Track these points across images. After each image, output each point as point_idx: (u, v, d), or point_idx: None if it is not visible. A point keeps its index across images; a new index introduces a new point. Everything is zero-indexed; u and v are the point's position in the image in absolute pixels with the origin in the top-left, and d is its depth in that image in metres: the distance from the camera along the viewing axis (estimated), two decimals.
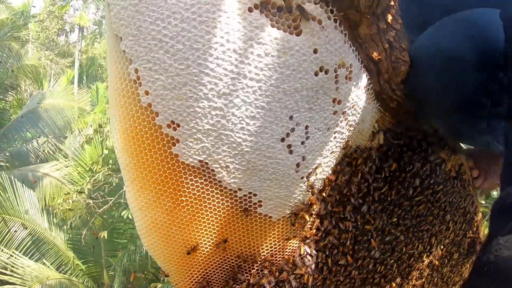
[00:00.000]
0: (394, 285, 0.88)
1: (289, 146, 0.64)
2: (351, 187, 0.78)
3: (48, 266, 5.47)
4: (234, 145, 0.62)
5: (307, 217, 0.73)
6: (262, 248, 0.75)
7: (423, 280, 0.89)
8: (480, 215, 0.88)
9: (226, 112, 0.59)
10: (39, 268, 5.18)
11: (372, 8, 0.59)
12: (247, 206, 0.69)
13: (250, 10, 0.55)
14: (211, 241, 0.72)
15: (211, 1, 0.54)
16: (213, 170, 0.65)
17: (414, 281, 0.89)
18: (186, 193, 0.67)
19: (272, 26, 0.56)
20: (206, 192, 0.68)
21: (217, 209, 0.69)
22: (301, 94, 0.60)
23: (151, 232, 0.69)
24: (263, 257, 0.75)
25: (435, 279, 0.90)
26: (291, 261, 0.77)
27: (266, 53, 0.56)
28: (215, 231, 0.72)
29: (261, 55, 0.56)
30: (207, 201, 0.68)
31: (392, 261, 0.86)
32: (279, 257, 0.77)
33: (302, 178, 0.69)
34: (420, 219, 0.83)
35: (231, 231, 0.72)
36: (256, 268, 0.76)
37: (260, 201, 0.69)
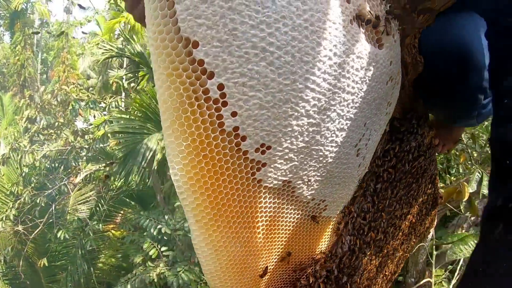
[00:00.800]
0: (389, 247, 1.11)
1: (358, 150, 0.71)
2: (371, 173, 0.93)
3: None
4: (321, 158, 0.64)
5: (352, 208, 0.84)
6: (318, 248, 0.82)
7: (404, 236, 1.17)
8: (437, 174, 1.21)
9: (322, 128, 0.60)
10: None
11: (424, 24, 0.69)
12: (314, 213, 0.73)
13: (351, 22, 0.56)
14: (277, 257, 0.74)
15: (322, 9, 0.52)
16: (294, 187, 0.65)
17: (398, 240, 1.16)
18: (263, 218, 0.66)
19: (365, 39, 0.59)
20: (281, 211, 0.68)
21: (288, 224, 0.71)
22: (376, 103, 0.67)
23: (227, 271, 0.65)
24: (317, 257, 0.82)
25: (410, 234, 1.19)
26: (334, 251, 0.87)
27: (361, 66, 0.59)
28: (282, 246, 0.73)
29: (358, 69, 0.59)
30: (281, 219, 0.69)
31: (389, 227, 1.08)
32: (327, 251, 0.85)
33: (359, 175, 0.77)
34: (409, 188, 1.07)
35: (295, 241, 0.75)
36: (311, 268, 0.83)
37: (326, 206, 0.75)
